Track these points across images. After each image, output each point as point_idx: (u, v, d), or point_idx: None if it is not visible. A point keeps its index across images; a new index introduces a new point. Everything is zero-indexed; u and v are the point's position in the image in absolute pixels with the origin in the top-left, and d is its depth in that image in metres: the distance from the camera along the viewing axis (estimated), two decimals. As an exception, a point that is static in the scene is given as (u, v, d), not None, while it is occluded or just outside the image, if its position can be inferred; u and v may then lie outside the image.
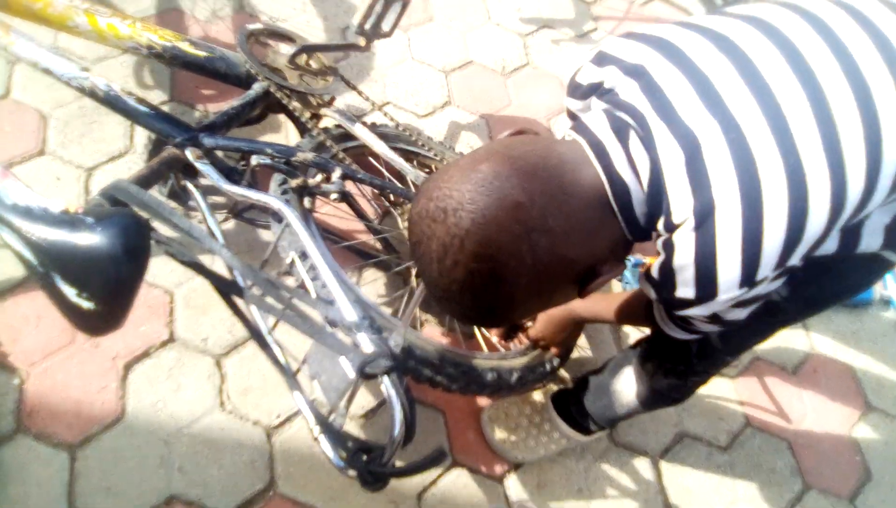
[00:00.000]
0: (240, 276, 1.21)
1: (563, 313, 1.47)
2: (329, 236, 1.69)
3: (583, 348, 1.79)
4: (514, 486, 1.56)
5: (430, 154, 1.77)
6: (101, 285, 1.02)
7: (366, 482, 1.10)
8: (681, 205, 0.78)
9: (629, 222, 0.83)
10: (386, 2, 1.68)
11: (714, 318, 0.93)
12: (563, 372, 1.70)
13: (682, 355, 1.24)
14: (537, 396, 1.62)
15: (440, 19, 2.26)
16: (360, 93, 1.78)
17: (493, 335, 1.54)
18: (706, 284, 0.79)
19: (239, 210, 1.55)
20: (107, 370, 1.49)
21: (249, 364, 1.57)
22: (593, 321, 1.47)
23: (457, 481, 1.54)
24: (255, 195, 1.29)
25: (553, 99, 2.21)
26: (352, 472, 1.15)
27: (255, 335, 1.25)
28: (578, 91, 0.94)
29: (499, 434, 1.56)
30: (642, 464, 1.65)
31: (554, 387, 1.64)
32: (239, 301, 1.21)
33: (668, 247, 0.81)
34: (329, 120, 1.71)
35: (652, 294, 0.91)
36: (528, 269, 0.75)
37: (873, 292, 2.05)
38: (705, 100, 0.77)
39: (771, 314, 1.10)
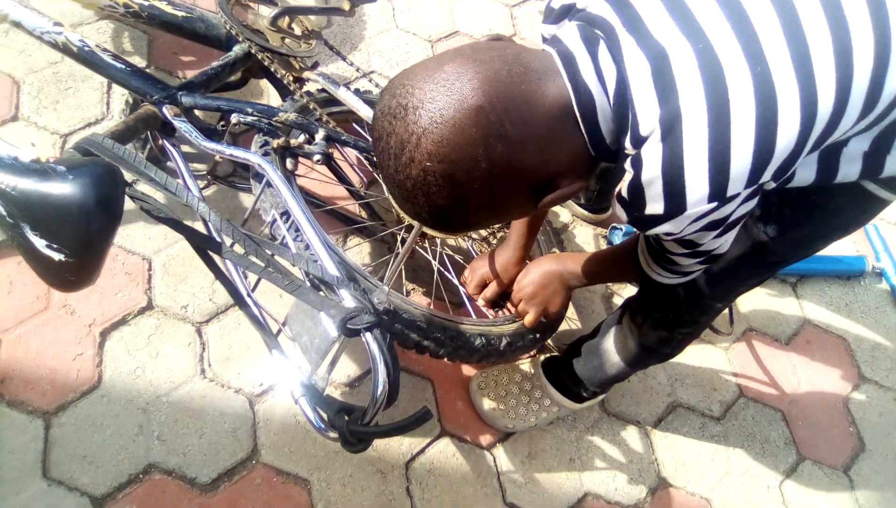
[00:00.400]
0: (218, 232, 1.17)
1: (546, 272, 1.43)
2: (312, 200, 1.65)
3: (572, 319, 1.75)
4: (503, 456, 1.52)
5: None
6: (73, 235, 0.98)
7: (347, 442, 1.06)
8: (647, 115, 0.76)
9: (593, 137, 0.81)
10: (371, -37, 1.64)
11: (693, 248, 0.91)
12: (552, 342, 1.67)
13: (669, 303, 1.21)
14: (527, 366, 1.58)
15: (427, -11, 2.22)
16: (343, 58, 1.74)
17: (480, 300, 1.50)
18: (675, 196, 0.77)
19: (218, 174, 1.50)
20: (83, 338, 1.44)
21: (231, 333, 1.53)
22: (580, 284, 1.43)
23: (445, 450, 1.50)
24: (234, 151, 1.25)
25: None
26: (333, 434, 1.11)
27: (235, 295, 1.20)
28: (552, 15, 0.92)
29: (488, 403, 1.52)
30: (635, 434, 1.62)
31: (543, 357, 1.60)
32: (218, 261, 1.17)
33: (636, 163, 0.79)
34: (313, 86, 1.67)
35: (623, 216, 0.89)
36: (483, 173, 0.75)
37: (866, 263, 2.02)
38: (674, 14, 0.75)
39: (759, 256, 1.08)
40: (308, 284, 1.12)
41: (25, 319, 1.43)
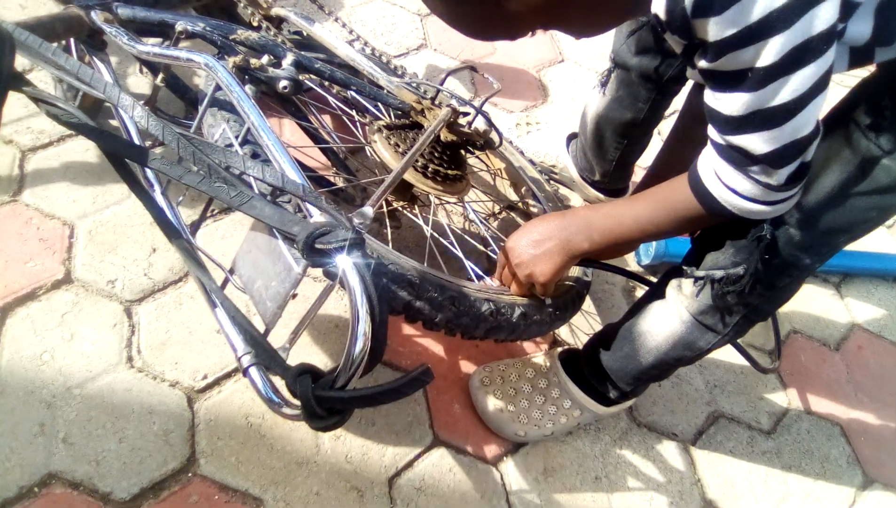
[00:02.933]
0: (141, 135, 0.88)
1: (544, 229, 1.03)
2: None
3: (590, 313, 1.46)
4: (512, 472, 1.20)
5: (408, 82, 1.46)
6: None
7: (313, 414, 0.75)
8: None
9: None
10: None
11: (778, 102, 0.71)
12: (566, 333, 1.37)
13: (737, 257, 0.92)
14: (541, 359, 1.28)
15: (415, -36, 2.01)
16: (321, 7, 1.49)
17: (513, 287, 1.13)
18: None
19: (158, 107, 1.22)
20: (-26, 311, 1.12)
21: (170, 314, 1.22)
22: (592, 246, 0.99)
23: (439, 464, 1.18)
24: (175, 52, 0.97)
25: (543, 51, 1.95)
26: (291, 409, 0.80)
27: (166, 226, 0.90)
28: None
29: (494, 403, 1.21)
30: (672, 449, 1.31)
31: (560, 349, 1.30)
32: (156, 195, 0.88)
33: None
34: (285, 31, 1.41)
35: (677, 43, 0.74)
36: None
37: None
38: None
39: (870, 181, 0.81)
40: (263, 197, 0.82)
41: None
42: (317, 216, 0.79)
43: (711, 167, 0.83)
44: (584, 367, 1.20)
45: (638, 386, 1.20)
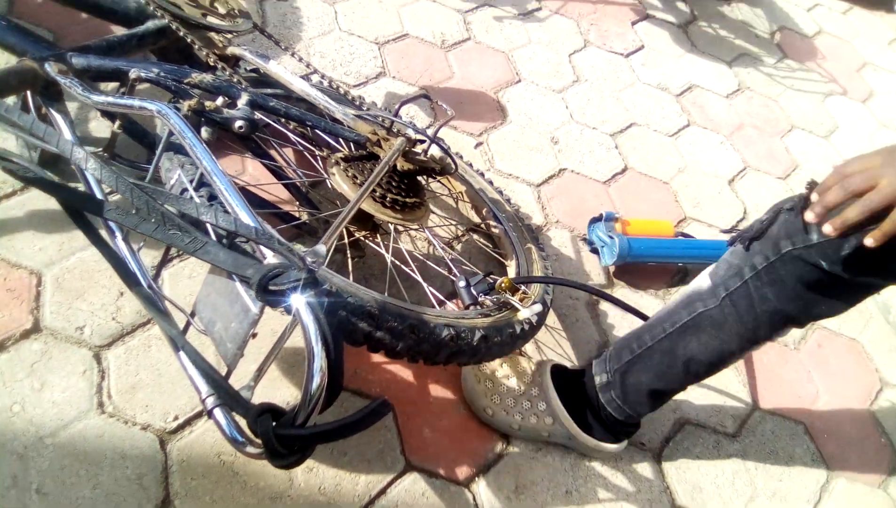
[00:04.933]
0: (99, 187, 0.90)
1: None
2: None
3: (554, 328, 1.49)
4: (484, 491, 1.22)
5: (364, 111, 1.50)
6: None
7: (275, 453, 0.77)
8: None
9: None
10: (303, -66, 1.45)
11: None
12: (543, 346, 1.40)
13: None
14: (534, 364, 1.31)
15: (370, -6, 2.05)
16: (277, 43, 1.52)
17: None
18: None
19: (116, 153, 1.23)
20: (-60, 366, 1.12)
21: (139, 357, 1.23)
22: None
23: (412, 489, 1.20)
24: (128, 101, 0.99)
25: (500, 73, 1.99)
26: (254, 448, 0.82)
27: (127, 276, 0.92)
28: None
29: (477, 377, 1.26)
30: (640, 458, 1.34)
31: (551, 364, 1.33)
32: (116, 243, 0.90)
33: None
34: (241, 69, 1.44)
35: None
36: None
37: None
38: None
39: None
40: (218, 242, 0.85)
41: None
42: (270, 258, 0.81)
43: None
44: (584, 392, 1.23)
45: (657, 406, 1.22)
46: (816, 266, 0.93)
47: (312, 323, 0.76)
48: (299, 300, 0.76)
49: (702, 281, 1.10)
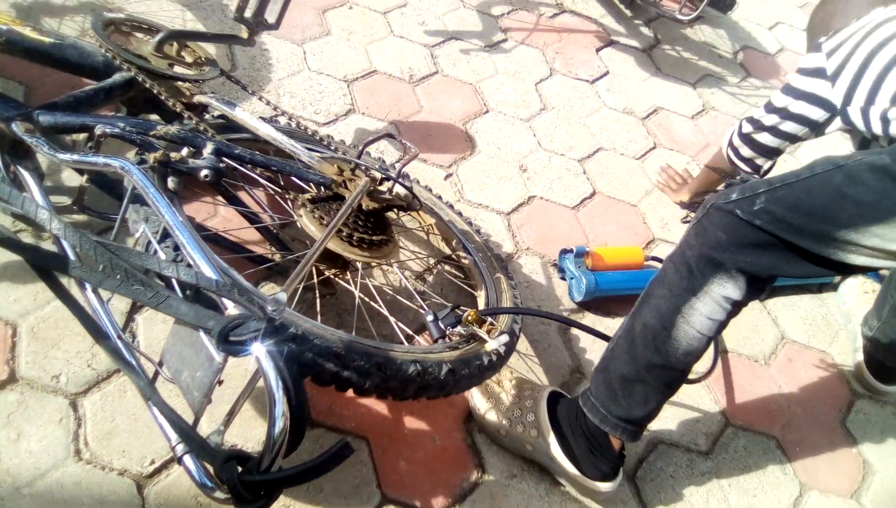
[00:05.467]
0: (69, 247, 0.92)
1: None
2: (207, 231, 1.41)
3: (528, 356, 1.52)
4: (460, 521, 1.25)
5: (331, 150, 1.53)
6: None
7: (241, 498, 0.79)
8: None
9: None
10: (266, -17, 1.49)
11: None
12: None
13: None
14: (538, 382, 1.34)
15: (338, 33, 2.09)
16: (245, 88, 1.56)
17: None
18: None
19: (87, 205, 1.26)
20: (-84, 422, 1.14)
21: (114, 403, 1.25)
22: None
23: (388, 522, 1.22)
24: (92, 158, 1.02)
25: (468, 104, 2.03)
26: (221, 494, 0.84)
27: (94, 330, 0.95)
28: None
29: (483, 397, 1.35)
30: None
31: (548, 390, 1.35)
32: (92, 298, 0.92)
33: None
34: (208, 116, 1.47)
35: None
36: None
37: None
38: None
39: None
40: (181, 296, 0.87)
41: None
42: (231, 308, 0.84)
43: None
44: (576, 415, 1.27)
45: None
46: (732, 213, 1.12)
47: (272, 371, 0.78)
48: (259, 349, 0.78)
49: None
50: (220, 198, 1.46)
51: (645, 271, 1.69)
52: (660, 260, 1.76)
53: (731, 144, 1.69)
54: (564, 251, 1.67)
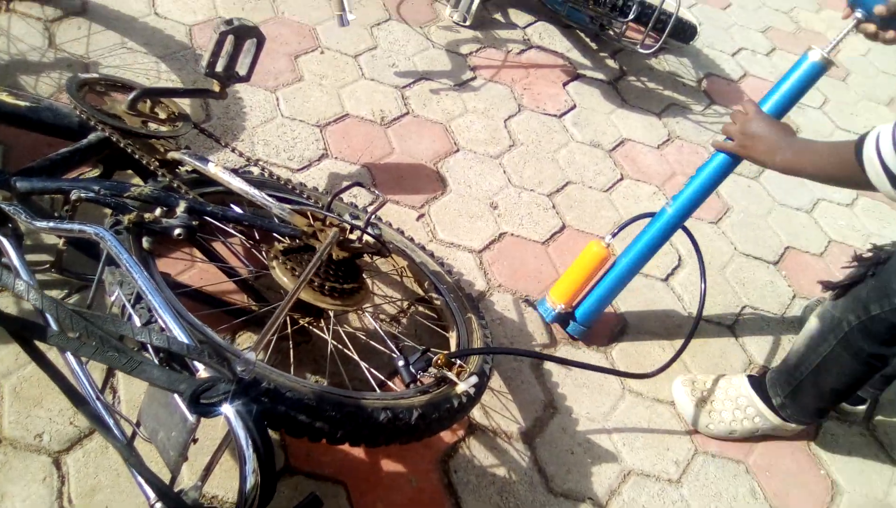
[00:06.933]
0: (44, 315, 0.96)
1: (772, 122, 1.41)
2: (183, 287, 1.44)
3: (501, 393, 1.56)
4: (439, 560, 1.28)
5: (304, 198, 1.58)
6: None
7: (217, 555, 0.82)
8: None
9: None
10: (237, 38, 1.54)
11: None
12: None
13: None
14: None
15: (310, 78, 2.15)
16: (218, 141, 1.60)
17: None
18: None
19: (65, 266, 1.30)
20: None
21: (98, 459, 1.27)
22: (783, 161, 1.37)
23: (368, 564, 1.25)
24: (66, 225, 1.06)
25: (439, 144, 2.09)
26: (199, 550, 0.87)
27: (72, 395, 0.98)
28: None
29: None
30: (587, 512, 1.41)
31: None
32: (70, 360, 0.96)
33: None
34: (183, 170, 1.52)
35: None
36: None
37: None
38: None
39: None
40: (155, 361, 0.91)
41: None
42: (202, 371, 0.88)
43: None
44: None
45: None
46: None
47: (242, 430, 0.82)
48: (229, 410, 0.82)
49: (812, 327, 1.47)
50: (196, 251, 1.50)
51: (615, 273, 1.65)
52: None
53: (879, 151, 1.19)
54: (534, 304, 1.71)
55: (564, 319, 1.68)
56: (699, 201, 1.54)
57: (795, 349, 1.50)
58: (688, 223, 1.60)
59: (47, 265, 1.28)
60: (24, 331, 0.91)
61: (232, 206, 1.49)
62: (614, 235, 1.60)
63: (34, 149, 1.70)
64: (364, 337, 1.49)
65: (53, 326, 0.97)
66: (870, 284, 1.35)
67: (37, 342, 0.97)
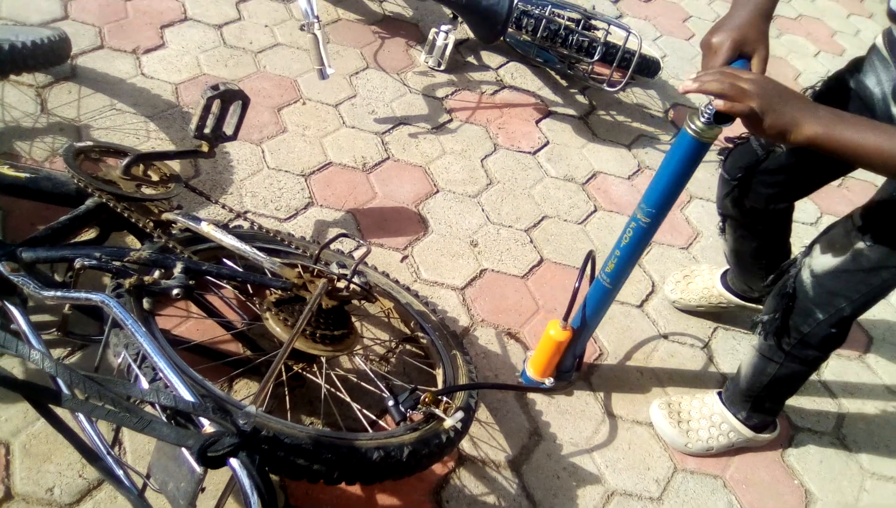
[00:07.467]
0: (58, 381, 1.04)
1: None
2: (183, 341, 1.53)
3: (488, 424, 1.64)
4: (435, 588, 1.35)
5: (292, 249, 1.67)
6: None
7: (228, 594, 0.90)
8: None
9: None
10: (223, 102, 1.64)
11: None
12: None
13: (774, 303, 1.48)
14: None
15: (293, 129, 2.25)
16: (208, 197, 1.69)
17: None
18: None
19: (71, 330, 1.38)
20: (-78, 547, 1.23)
21: (107, 508, 1.35)
22: (827, 134, 1.00)
23: (368, 596, 1.32)
24: (72, 294, 1.15)
25: (419, 186, 2.19)
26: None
27: (86, 453, 1.06)
28: None
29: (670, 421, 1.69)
30: (573, 534, 1.49)
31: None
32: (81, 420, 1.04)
33: None
34: (177, 229, 1.60)
35: None
36: None
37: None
38: None
39: (859, 267, 1.33)
40: (163, 418, 1.00)
41: None
42: (208, 426, 0.96)
43: None
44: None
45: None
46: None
47: (247, 478, 0.90)
48: (234, 462, 0.90)
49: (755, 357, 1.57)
50: (193, 306, 1.59)
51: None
52: None
53: None
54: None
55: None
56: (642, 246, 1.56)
57: (744, 375, 1.60)
58: (658, 249, 1.69)
59: (53, 329, 1.36)
60: (41, 396, 0.99)
61: (225, 261, 1.58)
62: (566, 318, 1.64)
63: (32, 214, 1.79)
64: (355, 378, 1.57)
65: (65, 390, 1.05)
66: (794, 310, 1.43)
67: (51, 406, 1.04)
